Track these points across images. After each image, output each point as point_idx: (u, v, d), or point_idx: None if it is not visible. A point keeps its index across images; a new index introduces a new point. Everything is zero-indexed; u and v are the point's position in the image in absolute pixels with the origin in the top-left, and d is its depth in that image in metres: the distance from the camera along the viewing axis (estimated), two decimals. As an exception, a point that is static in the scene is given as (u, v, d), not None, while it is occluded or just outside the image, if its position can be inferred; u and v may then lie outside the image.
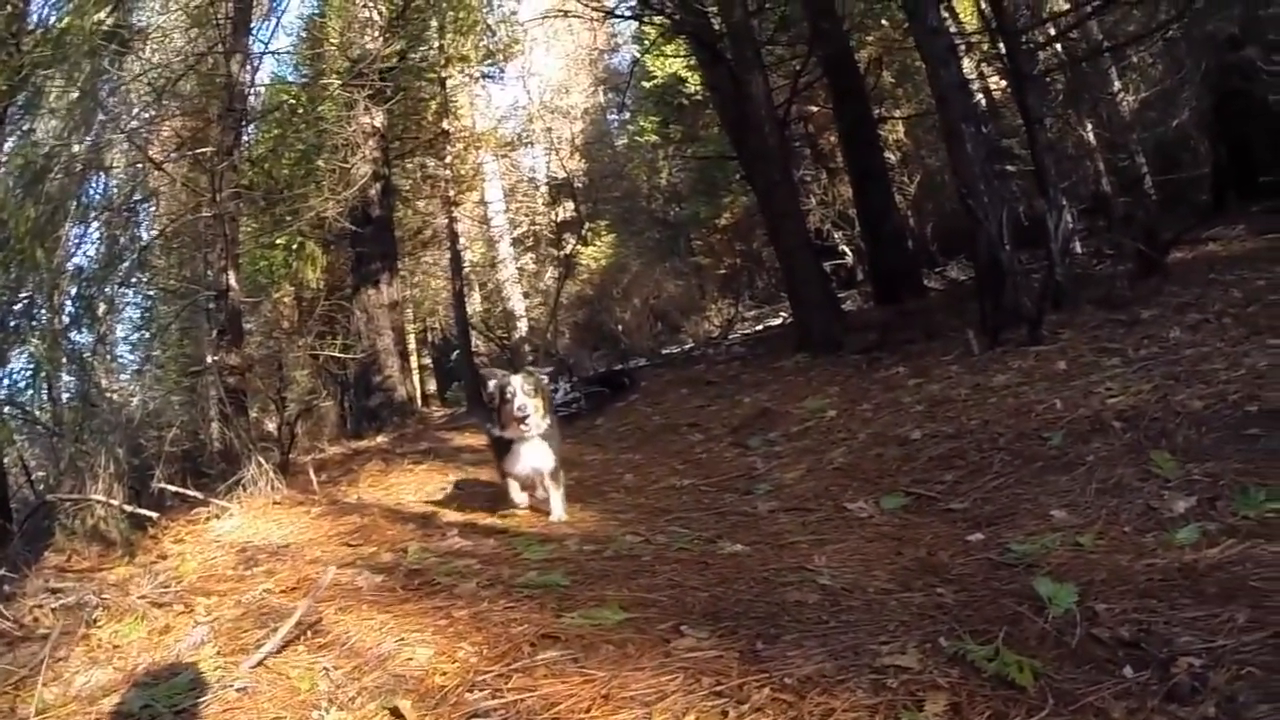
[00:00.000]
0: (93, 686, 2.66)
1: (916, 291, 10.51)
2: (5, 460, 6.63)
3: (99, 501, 4.98)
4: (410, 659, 2.54)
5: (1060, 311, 6.14)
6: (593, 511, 4.45)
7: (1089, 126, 10.79)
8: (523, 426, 4.12)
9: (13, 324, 5.92)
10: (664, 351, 13.55)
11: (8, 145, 7.49)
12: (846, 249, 14.33)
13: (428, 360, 19.81)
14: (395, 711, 2.19)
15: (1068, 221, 6.81)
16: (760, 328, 13.72)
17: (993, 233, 6.24)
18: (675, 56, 15.62)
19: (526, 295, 18.76)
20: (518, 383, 4.14)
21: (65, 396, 6.79)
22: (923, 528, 3.19)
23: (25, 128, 7.64)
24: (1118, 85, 10.76)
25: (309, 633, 2.85)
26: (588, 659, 2.37)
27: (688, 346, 13.69)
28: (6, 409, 6.04)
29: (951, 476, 3.73)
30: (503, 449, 4.32)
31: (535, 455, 4.26)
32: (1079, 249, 8.30)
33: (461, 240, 16.37)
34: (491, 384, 4.31)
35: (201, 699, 2.42)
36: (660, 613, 2.65)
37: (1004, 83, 12.51)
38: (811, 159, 16.25)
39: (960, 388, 5.19)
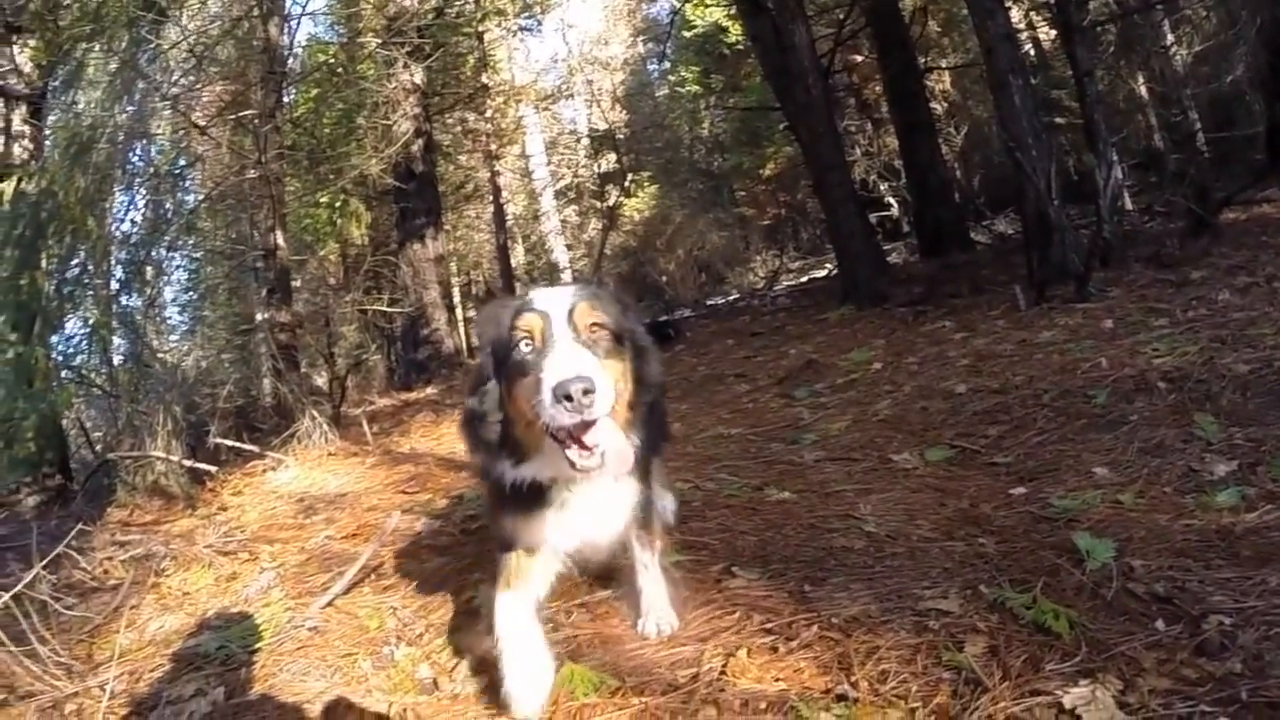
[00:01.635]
0: (166, 631, 2.80)
1: (963, 245, 10.37)
2: (64, 422, 6.88)
3: (158, 458, 5.12)
4: (473, 598, 2.66)
5: (1108, 269, 6.06)
6: (643, 459, 4.52)
7: (1141, 80, 10.48)
8: (581, 452, 1.63)
9: (67, 290, 6.03)
10: (709, 302, 13.49)
11: (51, 118, 7.66)
12: (892, 201, 14.09)
13: (473, 313, 19.84)
14: (462, 648, 2.33)
15: (1117, 177, 6.67)
16: (805, 279, 13.63)
17: (1041, 187, 6.14)
18: (715, 5, 15.30)
19: (570, 247, 18.74)
20: (561, 331, 1.68)
21: (119, 359, 6.95)
22: (966, 480, 3.24)
23: (68, 100, 7.74)
24: (1171, 38, 10.40)
25: (373, 575, 2.99)
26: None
27: (732, 297, 13.61)
28: (64, 373, 6.16)
29: (995, 431, 3.75)
30: (517, 502, 1.91)
31: (604, 508, 1.98)
32: (1129, 205, 8.14)
33: (504, 193, 16.42)
34: (490, 340, 1.85)
35: (274, 639, 2.56)
36: (711, 555, 2.77)
37: (1053, 33, 12.09)
38: (856, 109, 15.92)
39: (1006, 343, 5.18)
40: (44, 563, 3.18)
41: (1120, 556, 2.17)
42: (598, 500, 1.91)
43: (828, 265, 12.82)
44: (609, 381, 1.58)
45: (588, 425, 1.55)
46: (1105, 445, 3.24)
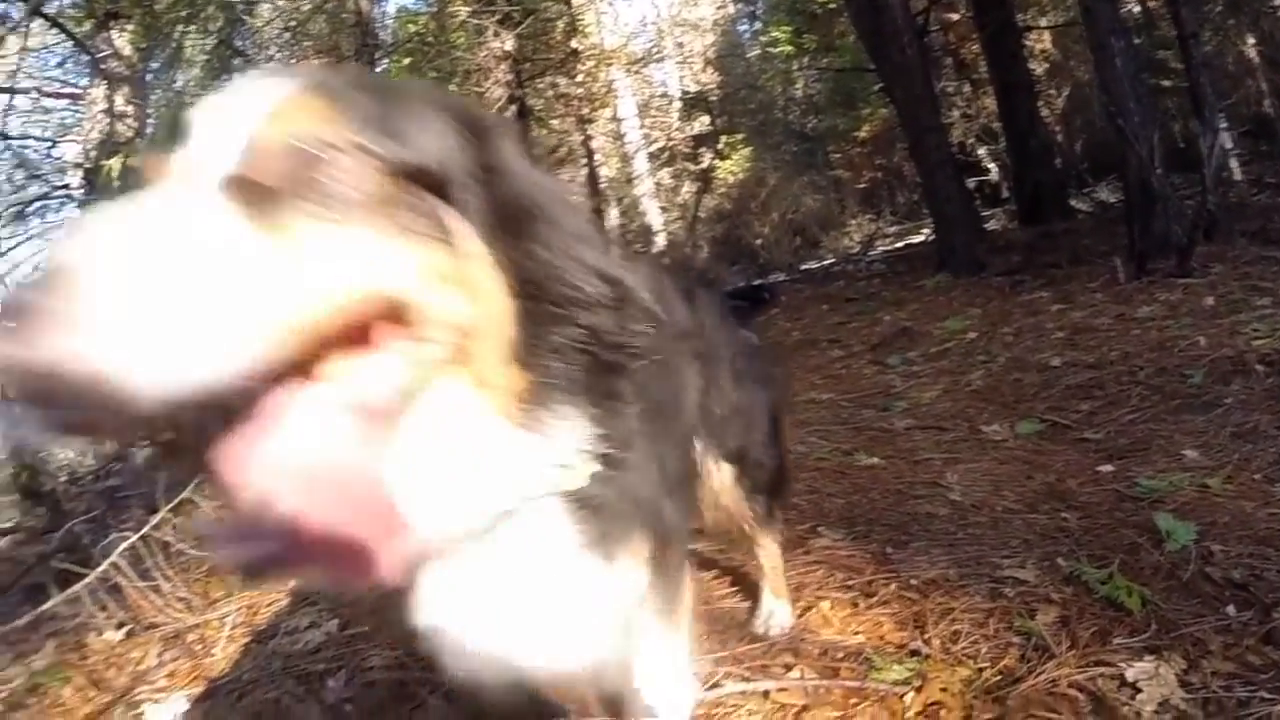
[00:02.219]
0: None
1: (1063, 213, 9.95)
2: None
3: None
4: None
5: (1212, 243, 5.78)
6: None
7: (1250, 42, 9.70)
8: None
9: None
10: (803, 267, 13.33)
11: (153, 97, 8.04)
12: (991, 165, 13.55)
13: None
14: None
15: (1224, 145, 6.28)
16: (901, 245, 13.32)
17: (1143, 155, 5.87)
18: (807, -36, 14.80)
19: (664, 210, 18.55)
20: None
21: None
22: (1055, 454, 3.23)
23: (169, 80, 8.06)
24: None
25: None
26: (733, 550, 2.57)
27: (827, 262, 13.41)
28: None
29: (1088, 406, 3.72)
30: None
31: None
32: (1237, 176, 7.64)
33: (597, 157, 16.37)
34: None
35: None
36: (800, 515, 2.87)
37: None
38: (954, 70, 15.23)
39: (1103, 317, 5.05)
40: (169, 506, 3.41)
41: (1200, 540, 2.17)
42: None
43: (924, 230, 12.49)
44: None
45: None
46: (1198, 427, 3.19)
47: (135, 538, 3.03)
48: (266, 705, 2.04)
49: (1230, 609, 1.84)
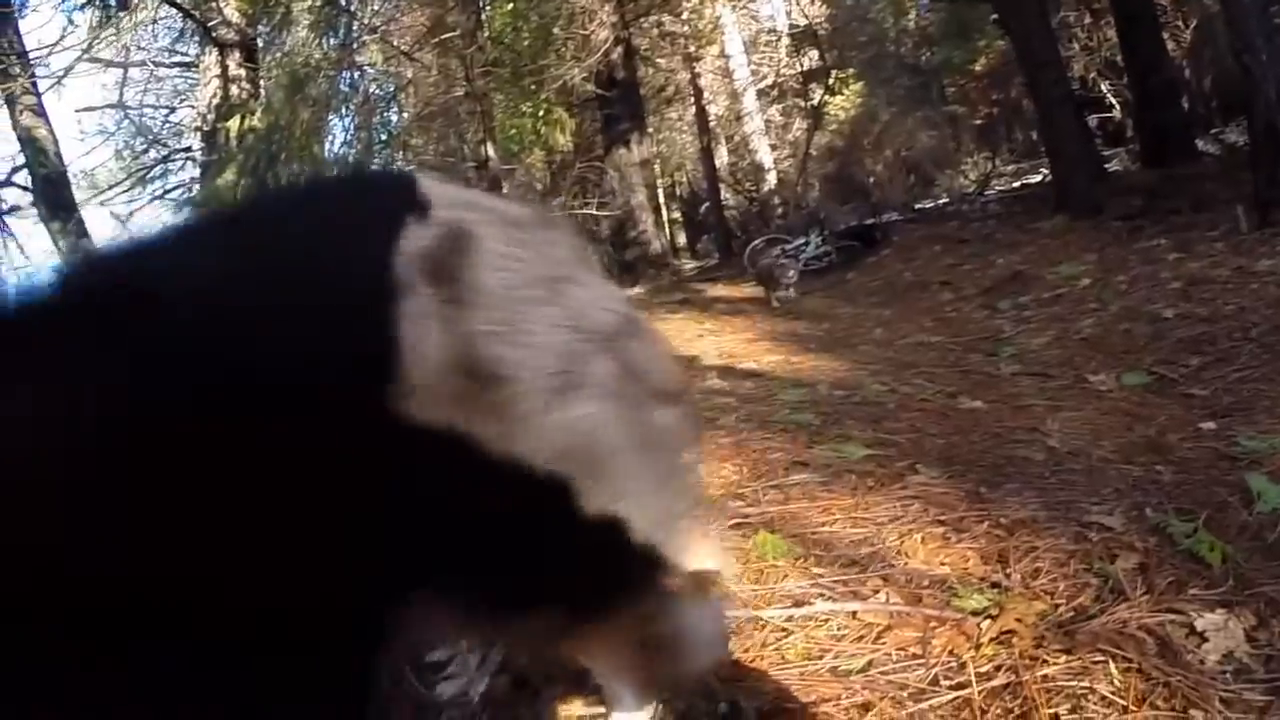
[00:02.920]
0: None
1: (1188, 154, 9.24)
2: None
3: None
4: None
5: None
6: (843, 361, 4.69)
7: None
8: None
9: None
10: (917, 206, 12.89)
11: (266, 60, 8.23)
12: (1114, 102, 12.58)
13: (677, 214, 19.72)
14: None
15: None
16: (1018, 184, 12.70)
17: (1270, 96, 5.44)
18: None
19: (774, 148, 17.99)
20: None
21: None
22: (1158, 408, 3.20)
23: (280, 42, 8.22)
24: None
25: None
26: (833, 483, 2.72)
27: (942, 201, 12.93)
28: None
29: (1197, 361, 3.63)
30: None
31: None
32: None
33: (705, 95, 16.00)
34: None
35: None
36: (899, 453, 2.96)
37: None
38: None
39: (1222, 268, 4.82)
40: None
41: (1292, 503, 2.17)
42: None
43: (1042, 170, 11.85)
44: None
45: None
46: (1308, 390, 3.09)
47: None
48: None
49: None
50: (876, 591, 2.03)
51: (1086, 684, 1.53)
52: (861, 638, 1.85)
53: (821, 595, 2.06)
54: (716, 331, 6.20)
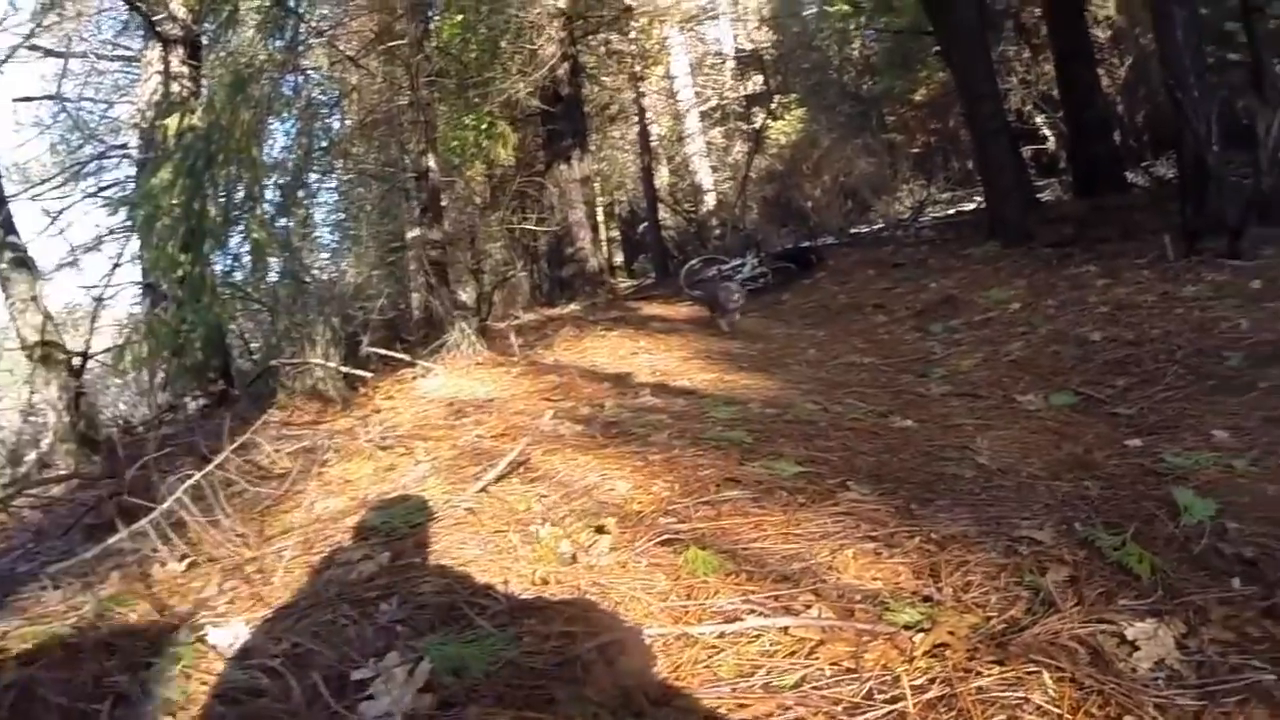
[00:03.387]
0: (331, 511, 3.10)
1: (1118, 186, 9.67)
2: (226, 335, 7.37)
3: (317, 364, 5.34)
4: (611, 489, 2.95)
5: (1266, 225, 5.58)
6: (776, 380, 4.69)
7: None
8: None
9: (231, 213, 6.26)
10: (853, 230, 13.14)
11: (210, 58, 8.08)
12: (1049, 134, 13.11)
13: (615, 233, 19.75)
14: (601, 528, 2.60)
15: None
16: (952, 212, 13.08)
17: (1200, 131, 5.71)
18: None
19: (714, 169, 18.19)
20: None
21: (274, 277, 7.14)
22: (1085, 427, 3.26)
23: (224, 40, 8.08)
24: None
25: (521, 469, 3.26)
26: (765, 500, 2.70)
27: (877, 227, 13.19)
28: (227, 289, 6.44)
29: (1123, 382, 3.72)
30: None
31: None
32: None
33: (649, 115, 16.09)
34: None
35: (433, 517, 2.85)
36: (830, 470, 2.95)
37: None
38: (1014, 34, 14.60)
39: (1148, 294, 4.99)
40: (233, 446, 3.55)
41: (1217, 517, 2.20)
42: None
43: (976, 198, 12.25)
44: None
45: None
46: (1230, 409, 3.18)
47: (199, 476, 3.16)
48: (323, 626, 2.15)
49: (1235, 582, 1.88)
50: (809, 607, 2.00)
51: (1021, 694, 1.51)
52: (794, 653, 1.82)
53: (753, 611, 2.02)
54: (651, 349, 6.18)
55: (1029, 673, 1.56)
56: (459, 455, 3.60)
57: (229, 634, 2.19)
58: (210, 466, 3.29)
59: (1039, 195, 10.92)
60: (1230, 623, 1.72)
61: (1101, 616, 1.76)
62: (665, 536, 2.49)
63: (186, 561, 2.79)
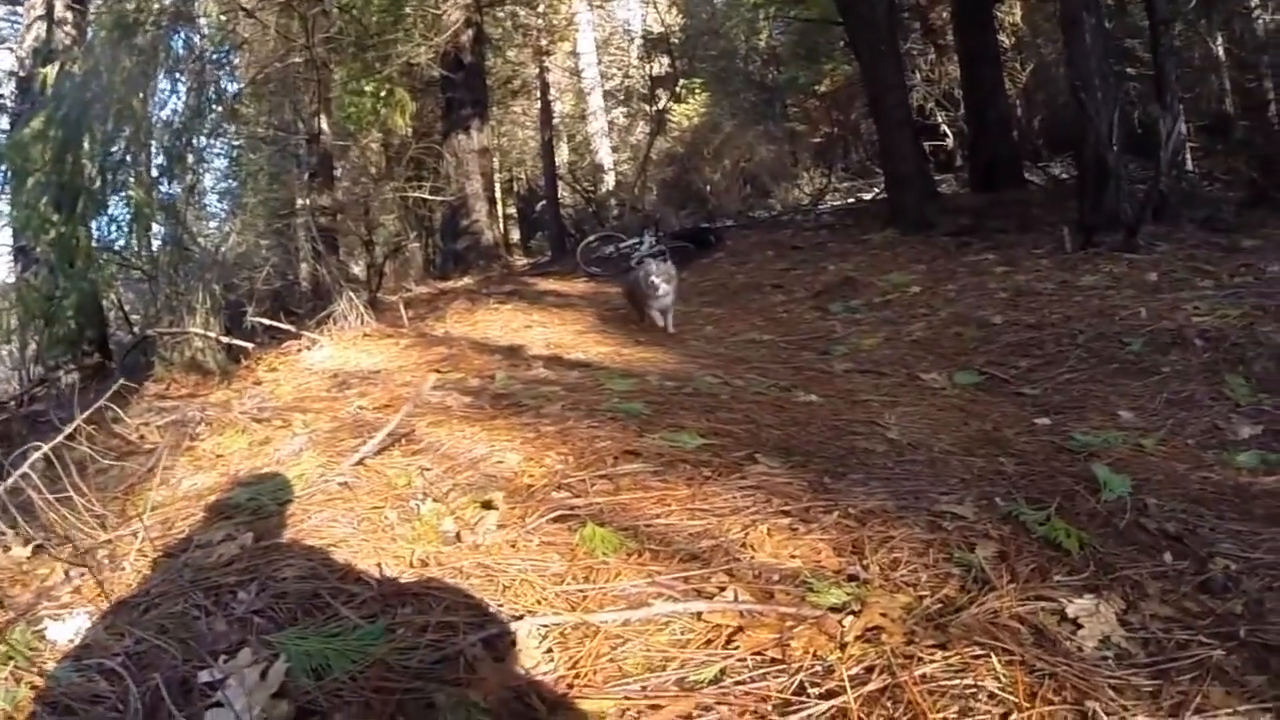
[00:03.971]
0: (199, 488, 2.84)
1: (1015, 183, 10.05)
2: (103, 303, 7.02)
3: (196, 334, 5.13)
4: (500, 462, 2.72)
5: (1160, 224, 5.86)
6: (674, 355, 4.55)
7: (1219, 40, 9.84)
8: None
9: (110, 174, 6.01)
10: (751, 215, 13.22)
11: (95, 4, 7.51)
12: (948, 131, 13.55)
13: (513, 210, 19.48)
14: (487, 504, 2.37)
15: (1181, 132, 6.35)
16: (851, 200, 13.32)
17: (1101, 131, 5.94)
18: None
19: (615, 149, 18.13)
20: None
21: (157, 244, 6.94)
22: (992, 406, 3.24)
23: None
24: (1254, 1, 9.67)
25: (403, 441, 3.01)
26: (667, 473, 2.52)
27: (775, 212, 13.34)
28: (104, 254, 6.21)
29: (1026, 363, 3.74)
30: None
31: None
32: (1189, 165, 7.78)
33: (552, 91, 15.88)
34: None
35: (304, 493, 2.60)
36: (735, 442, 2.79)
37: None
38: (921, 34, 15.06)
39: (1047, 282, 5.10)
40: (85, 414, 3.25)
41: (1135, 493, 2.17)
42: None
43: (875, 189, 12.53)
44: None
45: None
46: (1134, 391, 3.23)
47: (47, 448, 2.81)
48: (172, 619, 1.89)
49: (1166, 556, 1.83)
50: (722, 589, 1.82)
51: (970, 681, 1.36)
52: (710, 642, 1.64)
53: (661, 595, 1.83)
54: (545, 323, 6.01)
55: (975, 657, 1.43)
56: (339, 428, 3.34)
57: (70, 628, 1.93)
58: (58, 439, 2.93)
59: (937, 189, 11.22)
60: (1168, 598, 1.66)
61: (1039, 593, 1.65)
62: (559, 513, 2.28)
63: (32, 546, 2.49)
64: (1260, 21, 9.70)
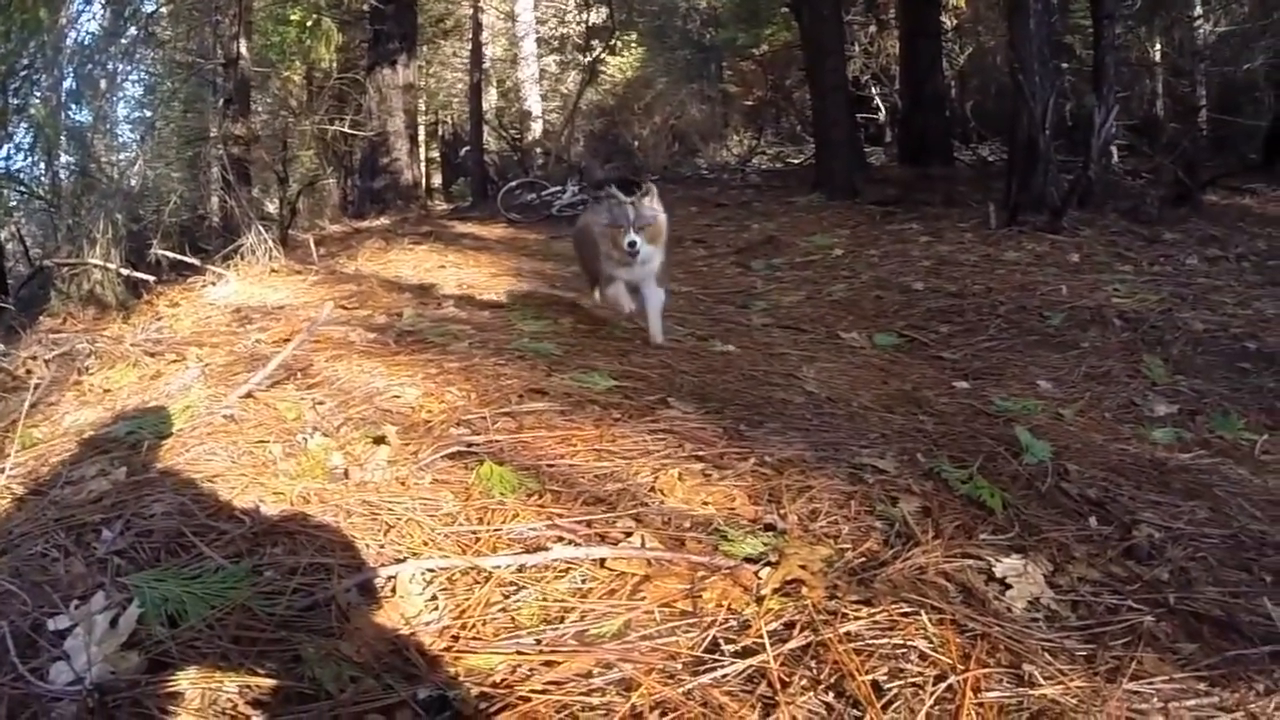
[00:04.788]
0: (81, 424, 2.62)
1: (944, 160, 10.16)
2: (1, 234, 6.59)
3: (96, 265, 4.91)
4: (398, 397, 2.56)
5: (1085, 209, 5.97)
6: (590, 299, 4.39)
7: (1158, 45, 10.14)
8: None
9: (13, 96, 5.55)
10: (678, 171, 13.12)
11: None
12: (881, 105, 13.64)
13: (436, 154, 18.90)
14: (380, 439, 2.20)
15: (1113, 125, 6.48)
16: (779, 165, 13.31)
17: (1036, 114, 6.03)
18: None
19: (545, 97, 17.63)
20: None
21: (64, 174, 6.60)
22: (911, 367, 3.19)
23: None
24: (1199, 10, 9.98)
25: (300, 374, 2.82)
26: (575, 414, 2.38)
27: (703, 170, 13.26)
28: (3, 182, 5.94)
29: (947, 329, 3.73)
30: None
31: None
32: (1116, 159, 7.99)
33: (485, 33, 15.32)
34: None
35: (187, 425, 2.40)
36: (648, 386, 2.66)
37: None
38: (863, 6, 15.07)
39: (970, 254, 5.13)
40: None
41: (1056, 459, 2.12)
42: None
43: (803, 154, 12.54)
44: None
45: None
46: (1053, 363, 3.24)
47: None
48: (29, 561, 1.69)
49: (1092, 520, 1.79)
50: (629, 535, 1.68)
51: (900, 640, 1.25)
52: (614, 592, 1.50)
53: (561, 539, 1.68)
54: (460, 264, 5.84)
55: (903, 614, 1.32)
56: (234, 361, 3.12)
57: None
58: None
59: (867, 159, 11.28)
60: (1095, 562, 1.61)
61: (965, 551, 1.57)
62: (456, 449, 2.11)
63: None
64: (1201, 31, 10.00)
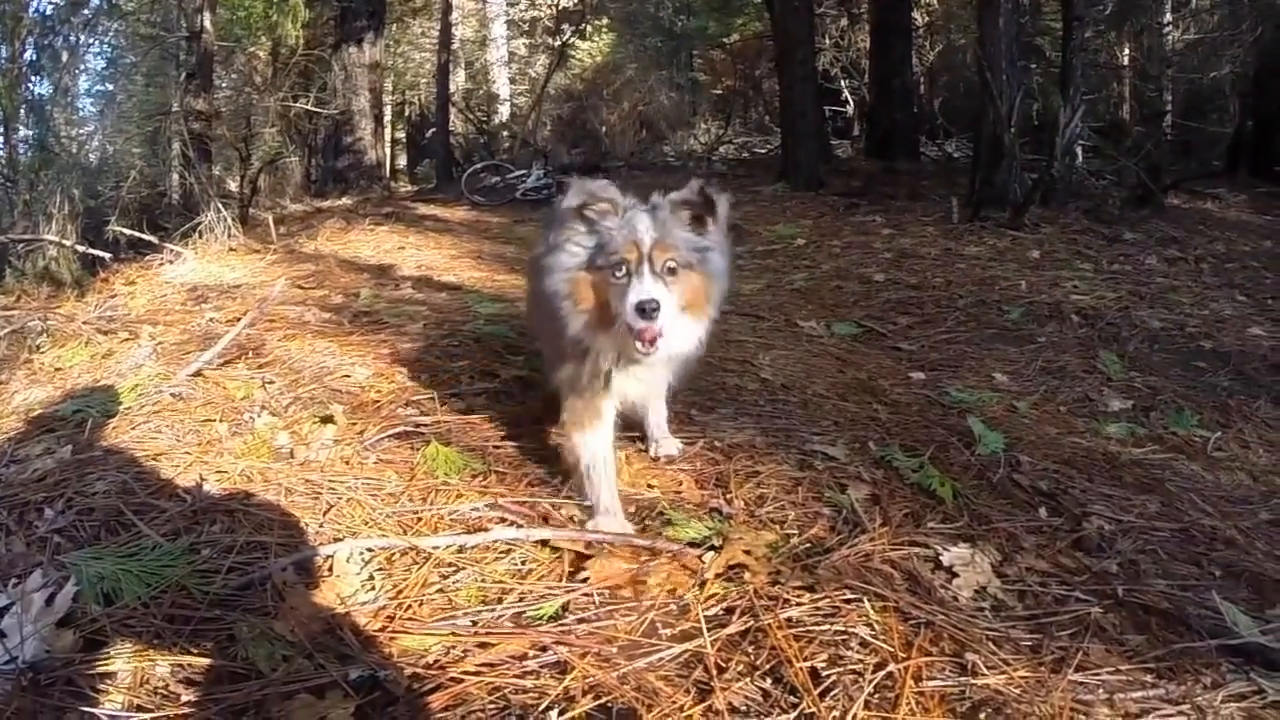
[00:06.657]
0: (30, 402, 2.57)
1: (910, 154, 10.21)
2: None
3: (52, 242, 4.83)
4: (348, 377, 2.54)
5: (1047, 209, 6.01)
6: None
7: (1127, 50, 10.28)
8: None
9: None
10: (644, 158, 13.08)
11: None
12: (850, 99, 13.68)
13: (402, 135, 18.76)
14: (327, 418, 2.18)
15: (1078, 126, 6.54)
16: (746, 155, 13.31)
17: (1002, 111, 6.04)
18: None
19: (513, 80, 17.55)
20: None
21: (22, 147, 6.51)
22: (869, 357, 3.17)
23: None
24: (1169, 18, 10.14)
25: (251, 354, 2.79)
26: (524, 395, 2.37)
27: (669, 158, 13.23)
28: None
29: (905, 321, 3.71)
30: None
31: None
32: (1081, 159, 8.08)
33: (454, 14, 15.14)
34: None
35: (135, 404, 2.36)
36: (599, 368, 2.62)
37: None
38: (836, 1, 15.11)
39: (931, 248, 5.13)
40: None
41: (1009, 450, 2.12)
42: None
43: (769, 144, 12.53)
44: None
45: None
46: (1010, 357, 3.23)
47: None
48: None
49: (1042, 511, 1.78)
50: (572, 517, 1.66)
51: (841, 627, 1.22)
52: (554, 573, 1.48)
53: (503, 520, 1.66)
54: (420, 246, 5.80)
55: (846, 601, 1.30)
56: (187, 340, 3.06)
57: None
58: None
59: (833, 151, 11.31)
60: (1044, 553, 1.60)
61: (912, 539, 1.55)
62: (403, 429, 2.10)
63: None
64: (1170, 38, 10.16)
